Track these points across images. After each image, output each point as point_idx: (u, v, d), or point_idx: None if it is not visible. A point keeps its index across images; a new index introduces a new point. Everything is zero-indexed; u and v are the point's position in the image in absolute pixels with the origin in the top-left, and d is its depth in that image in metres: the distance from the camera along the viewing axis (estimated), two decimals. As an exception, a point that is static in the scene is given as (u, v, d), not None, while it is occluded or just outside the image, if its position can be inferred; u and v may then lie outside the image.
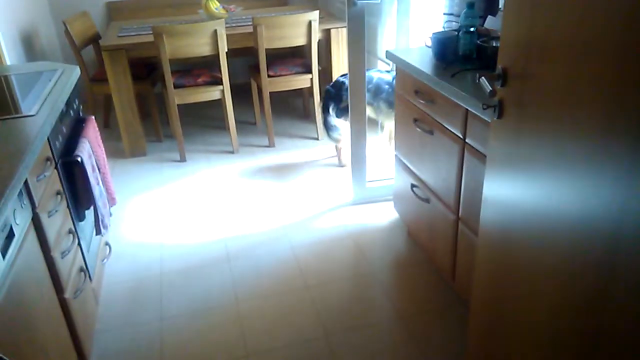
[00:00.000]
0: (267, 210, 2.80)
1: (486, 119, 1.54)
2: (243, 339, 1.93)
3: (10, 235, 1.26)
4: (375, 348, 1.86)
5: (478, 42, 1.89)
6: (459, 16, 2.25)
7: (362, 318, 2.01)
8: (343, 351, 1.86)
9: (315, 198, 2.89)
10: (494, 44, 1.84)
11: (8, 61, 2.94)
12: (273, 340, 1.92)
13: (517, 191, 1.29)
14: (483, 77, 1.28)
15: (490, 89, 1.26)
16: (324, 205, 2.82)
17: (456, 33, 1.96)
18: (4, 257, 1.20)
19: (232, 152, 3.52)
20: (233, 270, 2.32)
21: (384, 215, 2.69)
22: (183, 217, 2.78)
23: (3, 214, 1.17)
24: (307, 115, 4.10)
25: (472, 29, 1.89)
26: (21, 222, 1.35)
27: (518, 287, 1.34)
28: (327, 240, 2.51)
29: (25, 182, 1.42)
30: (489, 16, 2.16)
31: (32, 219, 1.45)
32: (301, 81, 3.54)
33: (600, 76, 0.97)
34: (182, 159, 3.45)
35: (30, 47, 3.48)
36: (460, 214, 1.86)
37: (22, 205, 1.38)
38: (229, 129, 3.52)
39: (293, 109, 4.28)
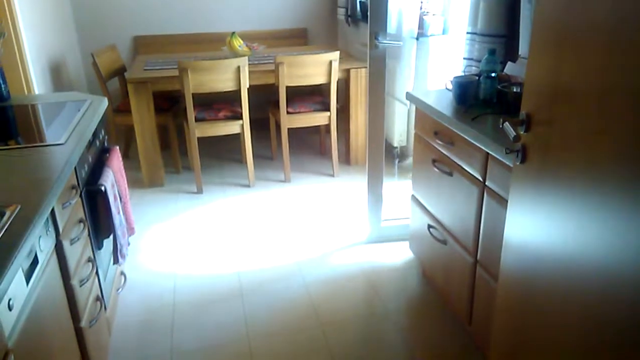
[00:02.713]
0: (282, 245, 2.80)
1: (508, 163, 1.55)
2: (254, 377, 1.90)
3: (34, 262, 1.28)
4: (389, 392, 1.82)
5: (499, 87, 1.91)
6: (479, 61, 2.30)
7: (375, 359, 1.97)
8: (356, 394, 1.82)
9: (330, 235, 2.89)
10: (515, 90, 1.86)
11: (37, 90, 3.03)
12: (285, 379, 1.89)
13: (540, 237, 1.29)
14: (507, 122, 1.29)
15: (515, 133, 1.28)
16: (338, 242, 2.82)
17: (477, 78, 2.00)
18: (27, 283, 1.21)
19: (248, 186, 3.55)
20: (245, 306, 2.30)
21: (399, 255, 2.67)
22: (198, 249, 2.78)
23: (30, 241, 1.19)
24: (323, 152, 4.14)
25: (493, 74, 1.92)
26: (45, 249, 1.37)
27: (540, 337, 1.32)
28: (341, 278, 2.49)
29: (52, 210, 1.45)
30: (509, 62, 2.20)
31: (55, 246, 1.47)
32: (319, 118, 3.59)
33: (625, 123, 0.98)
34: (199, 191, 3.48)
35: (58, 77, 3.59)
36: (478, 257, 1.84)
37: (47, 232, 1.40)
38: (246, 162, 3.56)
39: (310, 145, 4.33)
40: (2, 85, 2.31)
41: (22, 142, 1.77)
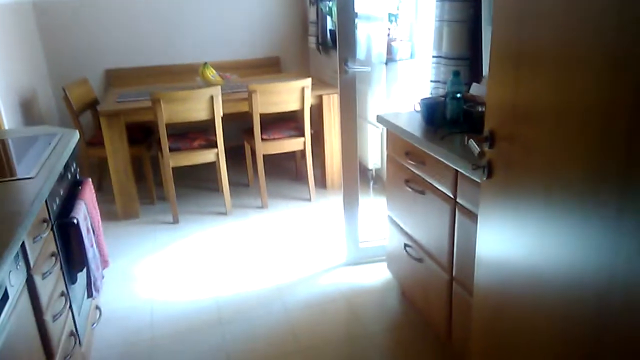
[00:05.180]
0: (261, 271, 2.78)
1: (476, 179, 1.59)
2: (236, 406, 1.87)
3: (4, 297, 1.25)
4: (372, 414, 1.81)
5: (465, 107, 1.98)
6: (445, 83, 2.37)
7: (358, 382, 1.96)
8: (339, 418, 1.80)
9: (308, 259, 2.89)
10: (480, 109, 1.93)
11: (6, 125, 3.00)
12: (267, 407, 1.86)
13: (510, 250, 1.32)
14: (472, 140, 1.34)
15: (479, 150, 1.32)
16: (317, 266, 2.82)
17: (443, 99, 2.06)
18: (-3, 319, 1.19)
19: (225, 214, 3.54)
20: (225, 335, 2.27)
21: (377, 276, 2.68)
22: (175, 279, 2.75)
23: None
24: (299, 176, 4.16)
25: (458, 95, 1.98)
26: (15, 284, 1.34)
27: (517, 347, 1.34)
28: (321, 302, 2.49)
29: (22, 244, 1.43)
30: (474, 83, 2.27)
31: (27, 280, 1.44)
32: (294, 144, 3.63)
33: (582, 135, 1.03)
34: (175, 221, 3.45)
35: (28, 111, 3.56)
36: (454, 273, 1.87)
37: (18, 266, 1.38)
38: (222, 190, 3.56)
39: (285, 170, 4.35)
40: (-29, 121, 2.29)
41: (-9, 177, 1.74)
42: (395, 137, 2.22)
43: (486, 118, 1.38)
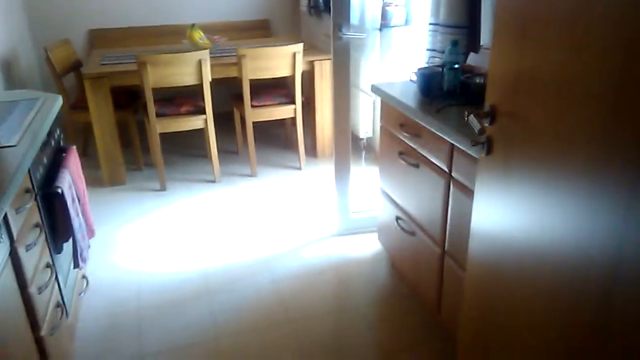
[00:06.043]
0: (249, 241, 2.76)
1: (473, 155, 1.56)
2: (225, 377, 1.87)
3: (-13, 272, 1.21)
4: (362, 385, 1.83)
5: (462, 78, 1.93)
6: (442, 52, 2.31)
7: (346, 354, 1.97)
8: (329, 389, 1.81)
9: (298, 229, 2.87)
10: (477, 81, 1.88)
11: (-14, 88, 2.88)
12: (257, 378, 1.87)
13: (507, 225, 1.30)
14: (472, 115, 1.30)
15: (480, 126, 1.28)
16: (307, 236, 2.80)
17: (440, 69, 2.00)
18: (-21, 295, 1.15)
19: (214, 181, 3.49)
20: (213, 305, 2.26)
21: (368, 247, 2.68)
22: (162, 248, 2.72)
23: (-19, 250, 1.13)
24: (289, 144, 4.10)
25: (456, 66, 1.92)
26: (-2, 257, 1.30)
27: (510, 321, 1.34)
28: (310, 272, 2.48)
29: (5, 215, 1.38)
30: (472, 53, 2.21)
31: (10, 253, 1.40)
32: (284, 111, 3.55)
33: (588, 112, 0.99)
34: (162, 188, 3.40)
35: (9, 73, 3.42)
36: (446, 247, 1.86)
37: (1, 239, 1.33)
38: (210, 157, 3.50)
39: (275, 138, 4.29)
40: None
41: (-31, 144, 1.67)
42: (389, 108, 2.17)
43: (487, 92, 1.33)
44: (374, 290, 2.34)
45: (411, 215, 2.10)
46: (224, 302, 2.27)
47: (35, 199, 1.67)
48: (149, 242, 2.78)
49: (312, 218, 2.98)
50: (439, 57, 2.35)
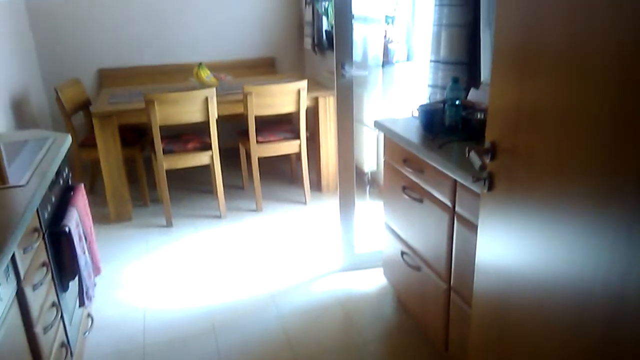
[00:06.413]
0: (255, 277, 2.75)
1: (476, 190, 1.57)
2: (230, 417, 1.84)
3: (-7, 312, 1.22)
4: None
5: (463, 114, 1.95)
6: (443, 88, 2.35)
7: (355, 392, 1.94)
8: None
9: (304, 264, 2.86)
10: (478, 116, 1.91)
11: (-3, 127, 2.95)
12: (262, 418, 1.83)
13: (511, 260, 1.30)
14: (473, 152, 1.31)
15: (480, 163, 1.30)
16: (312, 271, 2.79)
17: (442, 105, 2.03)
18: (-15, 336, 1.15)
19: (220, 217, 3.51)
20: (219, 341, 2.24)
21: (373, 282, 2.66)
22: (168, 285, 2.71)
23: (-12, 290, 1.14)
24: (294, 179, 4.13)
25: (457, 102, 1.96)
26: (5, 297, 1.31)
27: (517, 356, 1.32)
28: (316, 308, 2.46)
29: (12, 255, 1.39)
30: (472, 89, 2.25)
31: (17, 293, 1.41)
32: (289, 147, 3.59)
33: (587, 147, 1.01)
34: (169, 224, 3.41)
35: (20, 112, 3.50)
36: (452, 283, 1.85)
37: (8, 278, 1.34)
38: (216, 193, 3.52)
39: (281, 173, 4.32)
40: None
41: (-20, 184, 1.70)
42: (392, 144, 2.20)
43: (487, 129, 1.35)
44: (380, 326, 2.32)
45: (416, 250, 2.10)
46: (229, 339, 2.25)
47: (43, 238, 1.69)
48: (155, 278, 2.78)
49: (318, 253, 2.98)
50: (440, 93, 2.39)
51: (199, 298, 2.58)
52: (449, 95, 1.97)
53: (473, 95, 2.23)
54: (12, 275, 1.38)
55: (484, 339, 1.49)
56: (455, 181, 1.72)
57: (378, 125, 2.26)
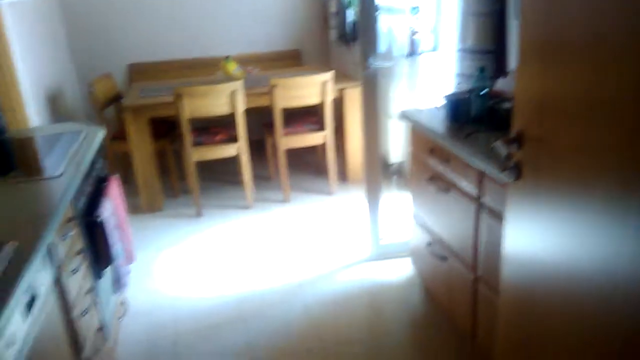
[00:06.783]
0: (283, 266, 2.79)
1: (502, 180, 1.56)
2: (259, 403, 1.89)
3: (33, 297, 1.28)
4: (395, 413, 1.81)
5: (490, 104, 1.94)
6: (469, 76, 2.33)
7: (381, 380, 1.96)
8: (361, 416, 1.80)
9: (331, 254, 2.89)
10: (505, 106, 1.88)
11: (34, 122, 3.05)
12: (289, 404, 1.87)
13: (539, 249, 1.29)
14: (498, 142, 1.31)
15: (506, 153, 1.29)
16: (339, 261, 2.81)
17: (468, 95, 2.02)
18: (27, 318, 1.21)
19: (247, 207, 3.56)
20: (248, 330, 2.29)
21: (400, 272, 2.67)
22: (198, 273, 2.78)
23: (28, 277, 1.20)
24: (321, 170, 4.15)
25: (483, 91, 1.94)
26: (44, 283, 1.37)
27: (545, 346, 1.32)
28: (344, 297, 2.49)
29: (50, 243, 1.46)
30: (500, 78, 2.22)
31: (55, 279, 1.47)
32: (315, 138, 3.61)
33: (613, 136, 0.99)
34: (198, 214, 3.48)
35: (55, 107, 3.62)
36: (478, 272, 1.84)
37: (46, 265, 1.40)
38: (244, 184, 3.57)
39: (307, 164, 4.35)
40: (-1, 119, 2.33)
41: (19, 175, 1.78)
42: (419, 134, 2.19)
43: (514, 118, 1.34)
44: (407, 316, 2.33)
45: (443, 240, 2.10)
46: (258, 328, 2.30)
47: (79, 227, 1.76)
48: (186, 267, 2.85)
49: (344, 243, 3.00)
50: (467, 82, 2.37)
51: (228, 287, 2.64)
52: (475, 85, 1.96)
53: (500, 84, 2.20)
54: (50, 262, 1.44)
55: (512, 329, 1.48)
56: (481, 171, 1.71)
57: (404, 115, 2.26)
